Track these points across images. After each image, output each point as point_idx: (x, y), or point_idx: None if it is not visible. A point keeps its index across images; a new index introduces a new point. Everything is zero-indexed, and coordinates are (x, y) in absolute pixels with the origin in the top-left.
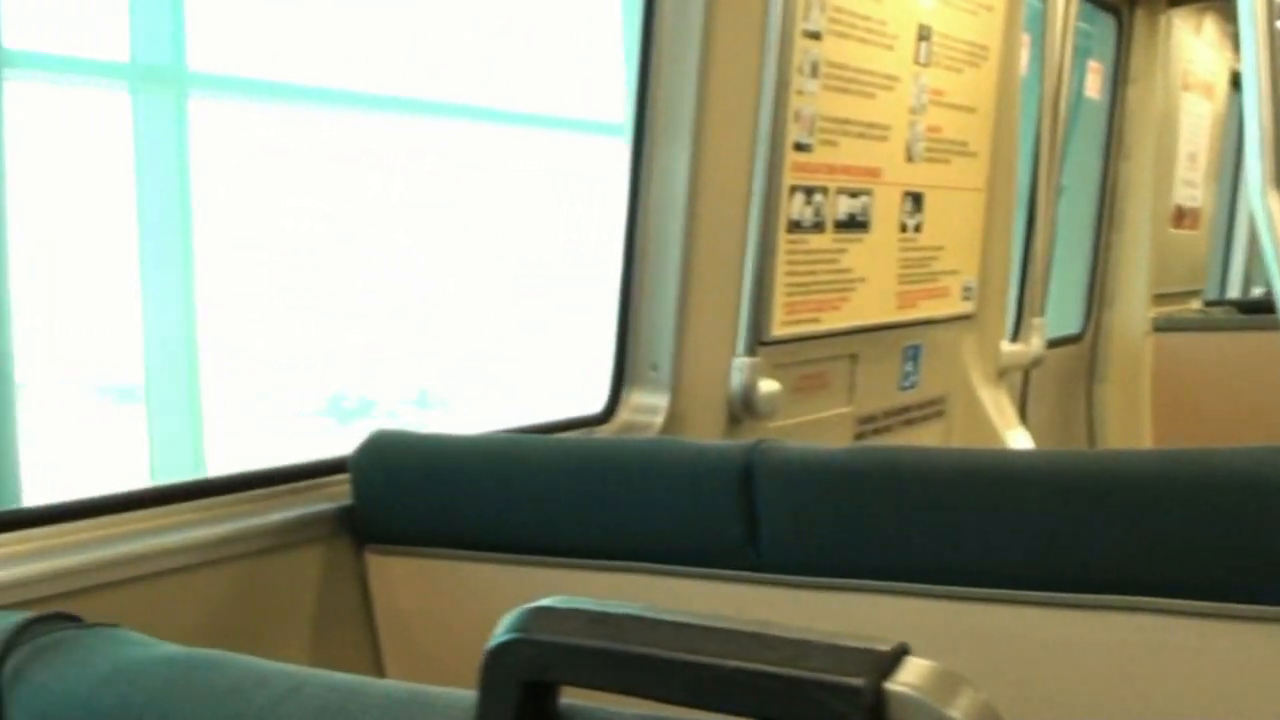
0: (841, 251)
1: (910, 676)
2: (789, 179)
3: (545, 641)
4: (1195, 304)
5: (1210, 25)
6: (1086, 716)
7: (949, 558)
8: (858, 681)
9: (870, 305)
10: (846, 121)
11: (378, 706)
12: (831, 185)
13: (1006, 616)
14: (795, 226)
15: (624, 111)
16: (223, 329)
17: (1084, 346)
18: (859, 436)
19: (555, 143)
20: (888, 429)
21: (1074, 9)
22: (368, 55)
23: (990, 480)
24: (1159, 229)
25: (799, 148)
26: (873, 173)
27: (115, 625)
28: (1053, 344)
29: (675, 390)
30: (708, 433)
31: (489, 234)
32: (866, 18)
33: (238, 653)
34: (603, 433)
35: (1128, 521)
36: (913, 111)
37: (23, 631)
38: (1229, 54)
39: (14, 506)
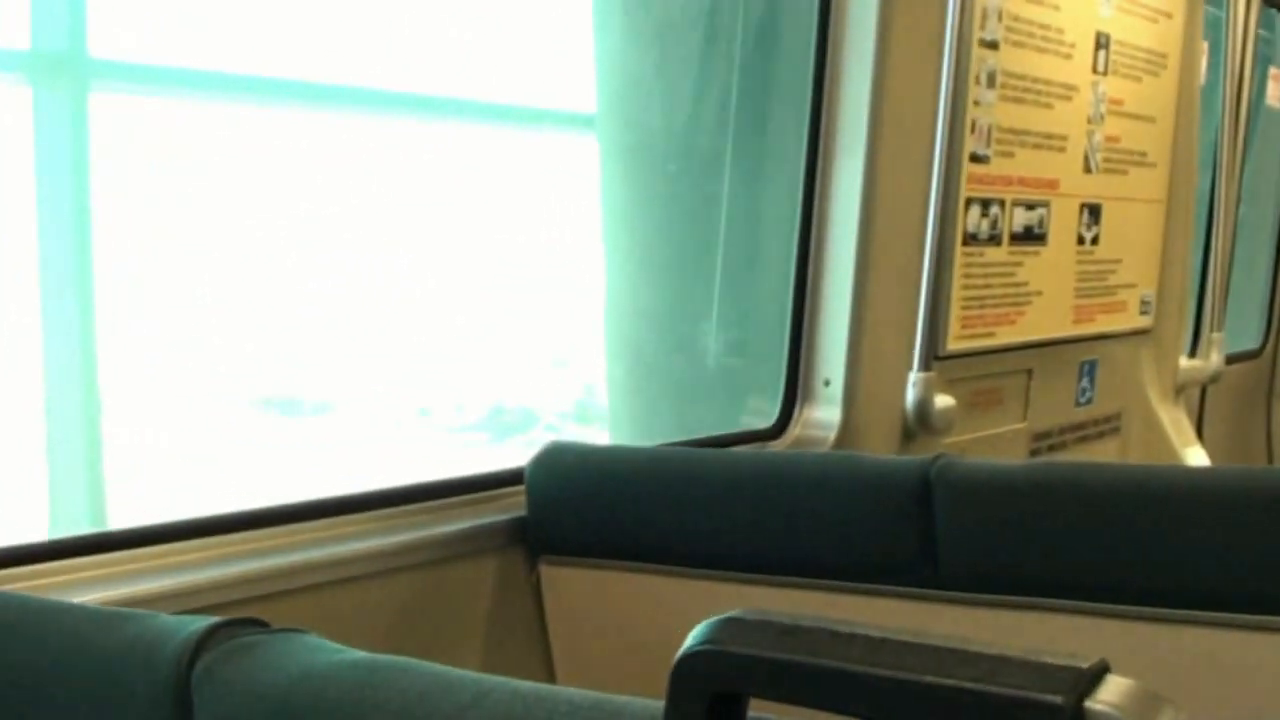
0: (1018, 264)
1: (1112, 695)
2: (965, 191)
3: (736, 653)
4: None
5: None
6: None
7: (1133, 576)
8: (1057, 699)
9: (1046, 319)
10: (1024, 132)
11: (563, 714)
12: (1008, 197)
13: (1193, 637)
14: (971, 239)
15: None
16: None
17: (1263, 362)
18: (1033, 453)
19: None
20: (1062, 445)
21: (1255, 14)
22: (325, 45)
23: (1177, 498)
24: None
25: (975, 159)
26: (1050, 184)
27: (302, 630)
28: (1231, 359)
29: (848, 405)
30: (881, 448)
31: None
32: (1044, 26)
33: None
34: (774, 448)
35: None
36: (1090, 121)
37: (212, 634)
38: None
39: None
